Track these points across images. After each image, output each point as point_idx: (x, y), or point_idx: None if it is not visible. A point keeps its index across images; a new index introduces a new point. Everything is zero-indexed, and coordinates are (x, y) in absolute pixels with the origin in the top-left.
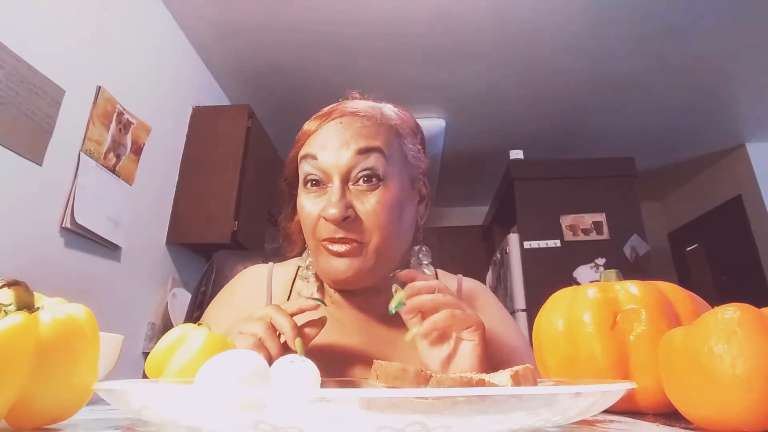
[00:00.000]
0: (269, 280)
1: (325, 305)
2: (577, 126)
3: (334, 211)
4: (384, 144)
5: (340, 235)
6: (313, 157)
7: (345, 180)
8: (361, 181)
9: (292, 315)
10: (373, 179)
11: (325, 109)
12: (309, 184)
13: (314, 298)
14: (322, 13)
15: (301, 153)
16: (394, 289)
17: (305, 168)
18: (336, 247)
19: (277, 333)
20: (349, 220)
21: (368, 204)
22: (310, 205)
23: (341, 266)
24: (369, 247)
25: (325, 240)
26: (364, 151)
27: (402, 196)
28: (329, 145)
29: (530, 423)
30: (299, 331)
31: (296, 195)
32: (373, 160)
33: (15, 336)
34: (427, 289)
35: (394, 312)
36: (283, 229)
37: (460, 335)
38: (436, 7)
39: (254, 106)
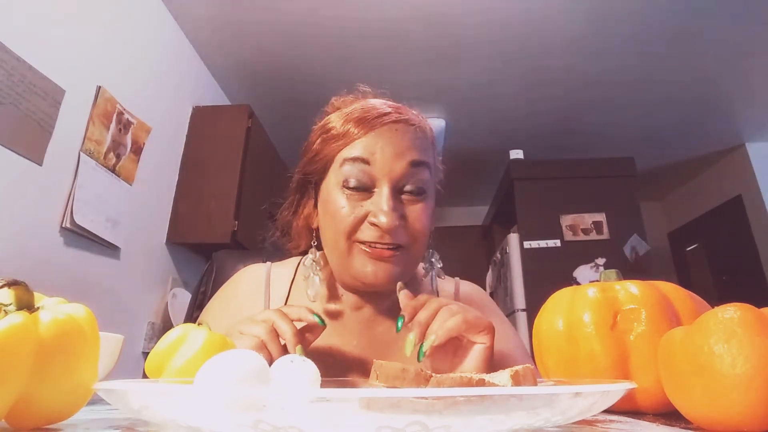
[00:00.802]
0: (267, 280)
1: (324, 325)
2: (577, 126)
3: (386, 220)
4: (431, 158)
5: (387, 240)
6: (365, 161)
7: (395, 189)
8: (407, 192)
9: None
10: (419, 192)
11: (366, 108)
12: (348, 186)
13: (310, 309)
14: (322, 13)
15: (346, 154)
16: (398, 287)
17: (349, 170)
18: (379, 251)
19: (279, 336)
20: (397, 227)
21: (413, 213)
22: (350, 207)
23: (380, 271)
24: (409, 254)
25: (367, 243)
26: (418, 164)
27: (433, 206)
28: (383, 152)
29: (530, 423)
30: (300, 337)
31: (311, 190)
32: (422, 174)
33: (15, 336)
34: (418, 304)
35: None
36: (286, 224)
37: (473, 339)
38: (436, 6)
39: (254, 106)
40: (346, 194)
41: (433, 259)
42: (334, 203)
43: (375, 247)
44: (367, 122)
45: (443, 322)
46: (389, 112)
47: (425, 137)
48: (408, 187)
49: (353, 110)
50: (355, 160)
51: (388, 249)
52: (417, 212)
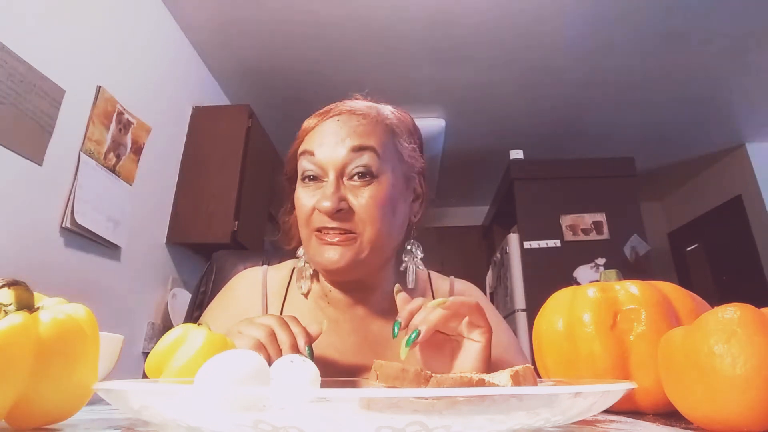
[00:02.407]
0: (264, 282)
1: (312, 358)
2: (577, 126)
3: (327, 204)
4: (377, 143)
5: (333, 225)
6: (311, 153)
7: (340, 175)
8: (355, 177)
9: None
10: (366, 176)
11: (325, 107)
12: (306, 179)
13: (308, 338)
14: (322, 13)
15: (300, 149)
16: (396, 290)
17: (303, 164)
18: (329, 237)
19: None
20: (342, 212)
21: (362, 198)
22: (306, 198)
23: (333, 255)
24: (363, 239)
25: (318, 229)
26: (358, 149)
27: (394, 192)
28: (326, 142)
29: (530, 423)
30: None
31: (294, 190)
32: (366, 158)
33: (15, 336)
34: (414, 308)
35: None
36: (283, 223)
37: (470, 335)
38: (437, 7)
39: (254, 106)
40: (304, 187)
41: (414, 249)
42: (297, 197)
43: (326, 233)
44: (316, 118)
45: (427, 314)
46: (335, 107)
47: (372, 123)
48: (352, 172)
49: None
50: (303, 153)
51: (337, 234)
52: (364, 197)
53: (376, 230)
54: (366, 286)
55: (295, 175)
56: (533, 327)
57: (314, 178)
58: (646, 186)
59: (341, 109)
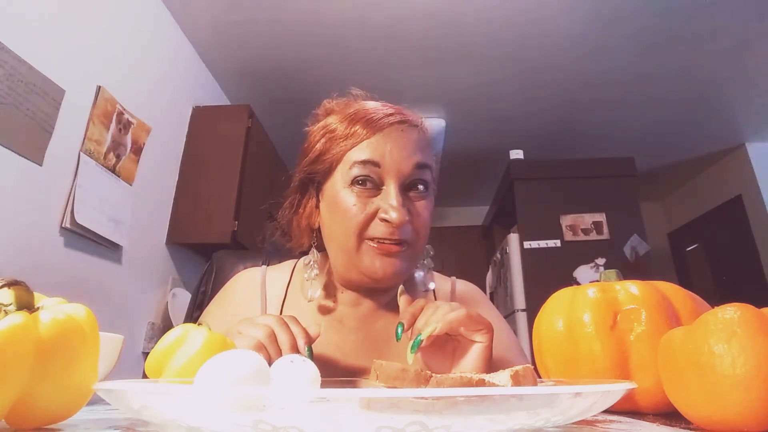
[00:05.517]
0: (263, 283)
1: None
2: (577, 126)
3: (396, 215)
4: (432, 160)
5: (396, 236)
6: (374, 163)
7: (402, 186)
8: (413, 191)
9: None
10: (422, 190)
11: (369, 109)
12: (357, 184)
13: (308, 338)
14: (322, 13)
15: (356, 156)
16: (399, 291)
17: (359, 169)
18: (387, 247)
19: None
20: (407, 222)
21: (418, 210)
22: (360, 205)
23: (388, 266)
24: (414, 249)
25: (377, 239)
26: (422, 166)
27: (433, 203)
28: (391, 154)
29: (530, 423)
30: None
31: (313, 190)
32: (426, 174)
33: (15, 336)
34: (416, 309)
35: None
36: (287, 224)
37: (471, 337)
38: (437, 6)
39: (254, 106)
40: (355, 192)
41: (426, 255)
42: (344, 202)
43: (383, 243)
44: (373, 123)
45: (444, 314)
46: (393, 113)
47: (426, 137)
48: (413, 186)
49: (357, 111)
50: (365, 162)
51: (395, 244)
52: (421, 209)
53: (422, 242)
54: (378, 290)
55: (326, 175)
56: (533, 327)
57: (365, 183)
58: (646, 186)
59: (402, 117)
